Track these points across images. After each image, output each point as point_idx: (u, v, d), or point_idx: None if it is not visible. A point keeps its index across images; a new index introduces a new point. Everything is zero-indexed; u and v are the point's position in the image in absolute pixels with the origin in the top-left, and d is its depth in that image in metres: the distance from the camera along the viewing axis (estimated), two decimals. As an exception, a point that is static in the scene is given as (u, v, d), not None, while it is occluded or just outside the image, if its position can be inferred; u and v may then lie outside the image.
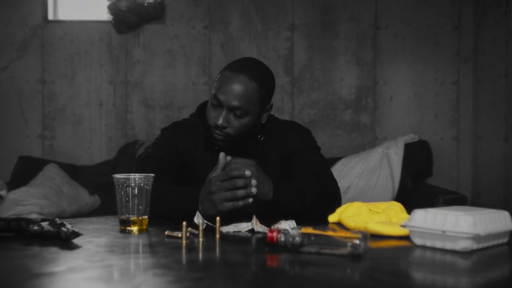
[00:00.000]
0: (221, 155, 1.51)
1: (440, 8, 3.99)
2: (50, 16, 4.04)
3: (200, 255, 1.15)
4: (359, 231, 1.11)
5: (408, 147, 3.68)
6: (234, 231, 1.35)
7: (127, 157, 3.75)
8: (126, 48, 4.03)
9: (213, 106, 1.67)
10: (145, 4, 3.97)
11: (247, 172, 1.44)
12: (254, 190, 1.44)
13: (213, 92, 1.68)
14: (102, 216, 1.64)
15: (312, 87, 4.04)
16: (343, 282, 0.96)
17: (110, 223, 1.46)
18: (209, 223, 1.35)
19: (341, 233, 1.11)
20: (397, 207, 1.48)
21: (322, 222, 1.49)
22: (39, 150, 4.01)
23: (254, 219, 1.37)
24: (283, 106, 3.97)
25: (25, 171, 3.72)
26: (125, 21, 3.96)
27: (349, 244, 1.08)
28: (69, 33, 4.02)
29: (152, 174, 1.39)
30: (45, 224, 1.25)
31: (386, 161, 3.60)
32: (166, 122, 3.90)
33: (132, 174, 1.38)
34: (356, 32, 4.02)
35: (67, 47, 4.02)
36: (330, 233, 1.12)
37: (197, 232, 1.26)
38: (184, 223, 1.22)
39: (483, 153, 3.83)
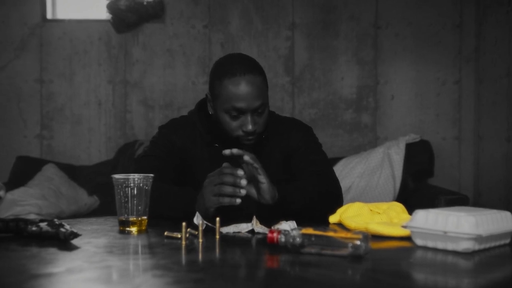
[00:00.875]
0: (235, 150, 1.48)
1: (441, 8, 3.99)
2: (49, 15, 4.04)
3: (200, 256, 1.15)
4: (360, 232, 1.11)
5: (409, 147, 3.68)
6: (234, 232, 1.35)
7: (127, 157, 3.75)
8: (125, 47, 4.03)
9: (232, 117, 1.65)
10: (145, 3, 3.97)
11: (239, 172, 1.43)
12: (243, 191, 1.42)
13: (227, 105, 1.64)
14: (101, 216, 1.64)
15: (313, 87, 4.04)
16: (344, 283, 0.96)
17: (109, 224, 1.46)
18: (209, 224, 1.35)
19: (342, 234, 1.11)
20: (398, 207, 1.48)
21: (323, 222, 1.49)
22: (37, 150, 4.01)
23: (254, 220, 1.37)
24: (283, 106, 3.97)
25: (24, 171, 3.72)
26: (124, 20, 3.96)
27: (350, 245, 1.08)
28: (68, 33, 4.02)
29: (152, 175, 1.39)
30: (43, 225, 1.25)
31: (387, 161, 3.60)
32: (165, 122, 3.89)
33: (131, 174, 1.38)
34: (356, 31, 4.02)
35: (66, 47, 4.02)
36: (331, 233, 1.12)
37: (196, 232, 1.26)
38: (184, 223, 1.22)
39: (485, 153, 3.83)
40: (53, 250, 1.14)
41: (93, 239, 1.26)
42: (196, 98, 3.98)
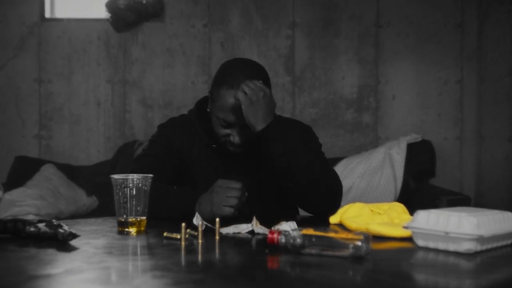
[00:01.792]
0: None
1: (443, 6, 3.99)
2: (47, 14, 4.04)
3: (200, 256, 1.15)
4: (361, 233, 1.11)
5: (410, 147, 3.68)
6: (234, 233, 1.35)
7: (126, 158, 3.75)
8: (124, 46, 4.03)
9: (221, 125, 1.66)
10: (144, 2, 3.96)
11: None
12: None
13: (218, 113, 1.64)
14: (100, 217, 1.64)
15: (313, 86, 4.04)
16: (344, 284, 0.96)
17: (108, 224, 1.46)
18: (209, 225, 1.35)
19: (342, 235, 1.11)
20: (400, 208, 1.48)
21: (323, 223, 1.49)
22: (36, 150, 4.01)
23: (254, 221, 1.37)
24: (284, 106, 3.97)
25: (22, 172, 3.72)
26: (124, 19, 3.96)
27: (351, 245, 1.08)
28: (66, 32, 4.02)
29: (151, 175, 1.39)
30: (42, 226, 1.25)
31: (388, 161, 3.60)
32: (165, 121, 3.89)
33: (130, 174, 1.38)
34: (357, 30, 4.02)
35: (65, 46, 4.02)
36: (331, 234, 1.12)
37: (196, 233, 1.26)
38: (183, 224, 1.22)
39: (487, 153, 3.83)
40: (51, 251, 1.14)
41: (92, 239, 1.26)
42: (195, 97, 3.95)
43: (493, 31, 3.76)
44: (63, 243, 1.21)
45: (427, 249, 1.17)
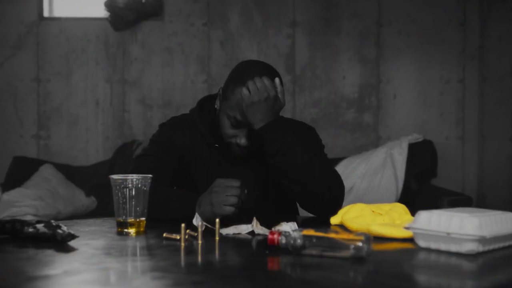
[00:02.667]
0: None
1: (445, 5, 3.99)
2: (46, 13, 4.04)
3: (199, 257, 1.15)
4: (362, 233, 1.11)
5: (412, 147, 3.68)
6: (234, 233, 1.35)
7: (125, 158, 3.75)
8: (123, 45, 4.03)
9: (231, 124, 1.66)
10: (143, 0, 3.97)
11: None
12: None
13: (229, 111, 1.64)
14: (98, 217, 1.64)
15: (314, 86, 4.04)
16: (345, 285, 0.96)
17: (107, 225, 1.46)
18: (208, 225, 1.35)
19: (343, 235, 1.11)
20: (401, 208, 1.48)
21: (324, 224, 1.49)
22: (34, 150, 4.01)
23: (255, 221, 1.37)
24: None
25: (20, 172, 3.72)
26: (122, 18, 3.96)
27: (352, 246, 1.08)
28: (64, 31, 4.02)
29: (150, 175, 1.39)
30: (40, 226, 1.25)
31: (389, 161, 3.60)
32: (164, 121, 3.90)
33: (130, 175, 1.38)
34: (359, 29, 4.02)
35: (63, 45, 4.02)
36: (332, 235, 1.12)
37: (196, 234, 1.26)
38: (183, 225, 1.22)
39: (489, 153, 3.83)
40: (50, 252, 1.15)
41: (90, 240, 1.26)
42: (195, 97, 3.98)
43: (495, 29, 3.76)
44: (62, 244, 1.21)
45: (428, 250, 1.17)
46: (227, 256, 1.18)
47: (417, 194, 3.53)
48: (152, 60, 4.04)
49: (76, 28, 4.02)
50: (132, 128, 4.03)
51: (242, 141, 1.65)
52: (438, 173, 3.81)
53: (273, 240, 1.16)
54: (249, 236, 1.34)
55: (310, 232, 1.13)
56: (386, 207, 1.49)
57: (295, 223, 1.34)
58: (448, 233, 1.12)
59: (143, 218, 1.37)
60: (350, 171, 3.62)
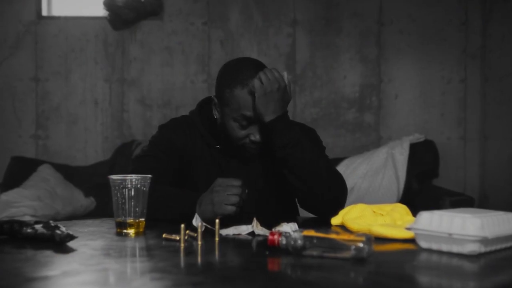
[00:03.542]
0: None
1: (446, 4, 3.99)
2: (44, 12, 4.04)
3: (199, 258, 1.15)
4: (363, 234, 1.11)
5: (413, 147, 3.68)
6: (234, 234, 1.35)
7: (124, 158, 3.76)
8: (122, 45, 4.03)
9: (241, 125, 1.65)
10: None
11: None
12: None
13: (236, 113, 1.64)
14: (97, 218, 1.65)
15: (315, 85, 4.04)
16: (346, 287, 0.96)
17: (106, 226, 1.46)
18: (208, 226, 1.35)
19: (344, 236, 1.11)
20: (402, 209, 1.48)
21: (325, 224, 1.49)
22: (32, 150, 4.01)
23: (255, 222, 1.37)
24: (284, 105, 3.97)
25: (18, 172, 3.72)
26: (122, 17, 3.96)
27: (353, 247, 1.08)
28: (63, 30, 4.02)
29: (149, 175, 1.39)
30: (38, 227, 1.25)
31: (390, 161, 3.60)
32: (164, 121, 3.89)
33: (129, 175, 1.38)
34: (360, 28, 4.02)
35: (62, 44, 4.02)
36: (333, 236, 1.12)
37: (195, 234, 1.26)
38: (182, 225, 1.22)
39: (491, 154, 3.83)
40: (48, 252, 1.14)
41: (89, 241, 1.26)
42: (195, 97, 3.98)
43: (497, 29, 3.76)
44: (60, 245, 1.21)
45: (430, 251, 1.17)
46: (227, 257, 1.18)
47: (419, 195, 3.53)
48: (151, 59, 4.04)
49: (75, 27, 4.02)
50: (131, 128, 4.03)
51: (257, 137, 1.65)
52: (440, 173, 3.81)
53: (273, 240, 1.16)
54: (249, 237, 1.34)
55: (311, 232, 1.13)
56: (387, 207, 1.49)
57: (295, 224, 1.34)
58: (450, 234, 1.12)
59: (143, 219, 1.37)
60: (351, 171, 3.62)
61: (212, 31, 4.03)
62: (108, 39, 4.02)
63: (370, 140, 4.03)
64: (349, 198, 3.49)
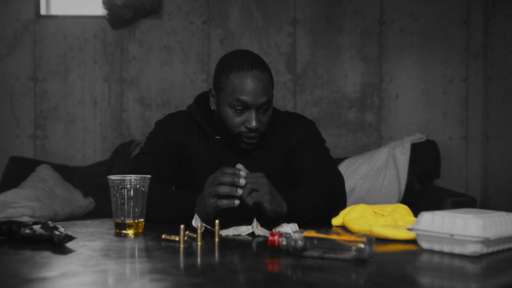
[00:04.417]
0: (239, 166, 1.47)
1: (448, 2, 3.99)
2: (43, 11, 4.04)
3: (199, 259, 1.15)
4: (364, 235, 1.12)
5: (415, 147, 3.68)
6: (233, 235, 1.35)
7: (123, 158, 3.76)
8: (121, 44, 4.03)
9: (237, 111, 1.66)
10: (141, -2, 3.97)
11: (242, 173, 1.42)
12: (240, 191, 1.40)
13: (231, 98, 1.64)
14: (96, 219, 1.65)
15: (315, 85, 4.04)
16: (347, 288, 0.97)
17: (104, 226, 1.46)
18: (208, 226, 1.35)
19: (345, 237, 1.11)
20: (404, 209, 1.48)
21: (326, 225, 1.49)
22: (30, 151, 4.01)
23: (255, 222, 1.37)
24: (285, 105, 3.98)
25: (16, 172, 3.72)
26: (121, 16, 3.96)
27: (354, 248, 1.08)
28: (62, 29, 4.02)
29: (149, 176, 1.39)
30: (37, 227, 1.25)
31: (392, 161, 3.60)
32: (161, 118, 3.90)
33: (128, 175, 1.38)
34: (361, 27, 4.02)
35: (60, 43, 4.02)
36: (333, 236, 1.12)
37: (195, 235, 1.26)
38: (182, 226, 1.23)
39: (493, 154, 3.83)
40: (47, 253, 1.15)
41: (88, 242, 1.26)
42: (194, 96, 3.95)
43: (500, 27, 3.76)
44: (59, 246, 1.21)
45: (431, 252, 1.17)
46: (227, 258, 1.18)
47: (420, 195, 3.53)
48: (150, 58, 4.04)
49: (74, 26, 4.02)
50: (130, 128, 4.04)
51: (253, 123, 1.65)
52: (441, 173, 3.81)
53: (273, 241, 1.16)
54: (249, 238, 1.34)
55: (311, 233, 1.13)
56: (388, 208, 1.49)
57: (296, 224, 1.34)
58: (452, 235, 1.13)
59: (142, 219, 1.37)
60: (352, 172, 3.62)
61: (211, 29, 4.03)
62: (107, 38, 4.02)
63: (371, 140, 4.03)
64: (350, 198, 3.49)
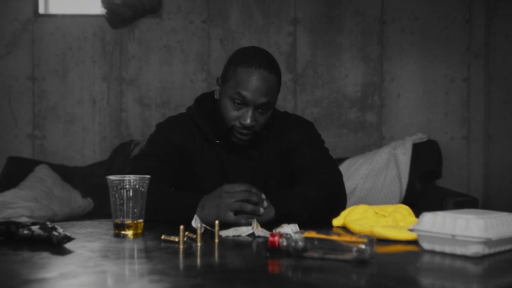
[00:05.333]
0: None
1: (449, 2, 3.99)
2: (41, 10, 4.04)
3: (198, 260, 1.15)
4: (365, 236, 1.11)
5: (416, 147, 3.68)
6: (233, 235, 1.35)
7: (122, 158, 3.76)
8: (120, 43, 4.03)
9: (235, 105, 1.67)
10: (141, -3, 3.97)
11: (263, 196, 1.47)
12: (261, 210, 1.46)
13: (232, 91, 1.66)
14: (95, 219, 1.64)
15: (316, 85, 4.04)
16: (348, 289, 0.97)
17: (103, 227, 1.46)
18: (208, 227, 1.35)
19: (346, 238, 1.11)
20: (405, 210, 1.48)
21: (326, 226, 1.49)
22: (29, 151, 4.01)
23: (255, 223, 1.37)
24: (285, 104, 3.98)
25: (15, 173, 3.72)
26: (120, 15, 3.96)
27: (355, 249, 1.08)
28: (61, 28, 4.02)
29: (148, 176, 1.39)
30: (35, 228, 1.25)
31: (393, 162, 3.60)
32: (163, 120, 3.90)
33: (127, 175, 1.38)
34: (361, 26, 4.02)
35: (59, 43, 4.02)
36: (334, 237, 1.12)
37: (195, 236, 1.26)
38: (182, 227, 1.22)
39: (495, 154, 3.83)
40: (45, 254, 1.15)
41: (87, 243, 1.26)
42: (194, 96, 3.93)
43: (501, 27, 3.76)
44: (58, 246, 1.21)
45: (433, 253, 1.17)
46: (227, 259, 1.18)
47: (421, 195, 3.53)
48: (150, 58, 4.04)
49: (72, 25, 4.02)
50: (129, 128, 4.04)
51: (247, 121, 1.65)
52: (443, 173, 3.81)
53: (273, 242, 1.16)
54: (249, 238, 1.34)
55: (312, 234, 1.13)
56: (389, 208, 1.49)
57: (296, 225, 1.34)
58: (453, 235, 1.12)
59: (141, 220, 1.37)
60: (352, 172, 3.62)
61: (211, 29, 4.03)
62: (106, 37, 4.02)
63: (372, 140, 4.03)
64: (351, 198, 3.49)
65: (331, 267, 1.06)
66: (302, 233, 1.14)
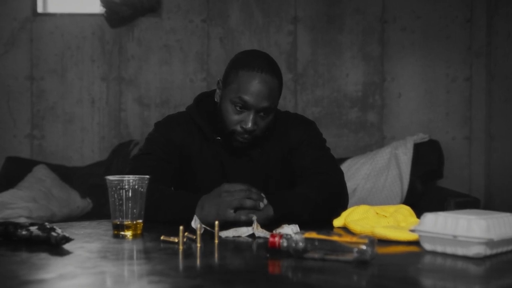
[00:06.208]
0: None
1: (451, 0, 3.99)
2: (40, 9, 4.04)
3: (198, 261, 1.15)
4: (366, 236, 1.11)
5: (417, 147, 3.68)
6: (233, 236, 1.35)
7: (121, 158, 3.76)
8: (119, 42, 4.03)
9: (236, 109, 1.66)
10: (140, -4, 3.97)
11: (264, 198, 1.48)
12: (262, 204, 1.47)
13: (234, 94, 1.65)
14: (94, 220, 1.64)
15: (316, 84, 4.04)
16: (348, 290, 0.97)
17: (102, 228, 1.46)
18: (208, 228, 1.35)
19: (346, 238, 1.11)
20: (406, 210, 1.48)
21: (327, 226, 1.49)
22: (27, 151, 4.01)
23: (255, 224, 1.37)
24: (285, 104, 3.98)
25: (13, 173, 3.72)
26: (119, 14, 3.96)
27: (355, 249, 1.08)
28: (59, 27, 4.02)
29: (147, 176, 1.39)
30: (34, 229, 1.25)
31: (394, 162, 3.60)
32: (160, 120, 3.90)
33: (126, 175, 1.38)
34: (362, 25, 4.02)
35: (58, 42, 4.02)
36: (335, 238, 1.12)
37: (194, 237, 1.26)
38: (181, 227, 1.22)
39: (497, 154, 3.82)
40: (44, 255, 1.15)
41: (86, 243, 1.26)
42: (193, 95, 3.94)
43: (503, 26, 3.76)
44: (56, 247, 1.21)
45: (434, 253, 1.17)
46: (227, 260, 1.18)
47: (423, 196, 3.53)
48: (149, 57, 4.04)
49: (71, 25, 4.02)
50: (128, 128, 4.04)
51: (249, 125, 1.65)
52: (444, 173, 3.81)
53: (274, 243, 1.16)
54: (250, 239, 1.34)
55: (312, 234, 1.13)
56: (390, 209, 1.49)
57: (296, 226, 1.34)
58: (455, 236, 1.12)
59: (140, 220, 1.37)
60: (353, 172, 3.62)
61: (211, 28, 4.03)
62: (105, 36, 4.02)
63: (373, 140, 4.03)
64: (352, 199, 3.49)
65: (331, 268, 1.06)
66: (303, 233, 1.14)
